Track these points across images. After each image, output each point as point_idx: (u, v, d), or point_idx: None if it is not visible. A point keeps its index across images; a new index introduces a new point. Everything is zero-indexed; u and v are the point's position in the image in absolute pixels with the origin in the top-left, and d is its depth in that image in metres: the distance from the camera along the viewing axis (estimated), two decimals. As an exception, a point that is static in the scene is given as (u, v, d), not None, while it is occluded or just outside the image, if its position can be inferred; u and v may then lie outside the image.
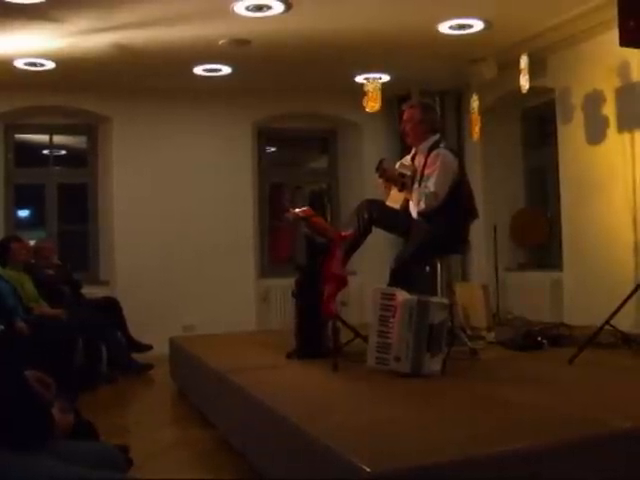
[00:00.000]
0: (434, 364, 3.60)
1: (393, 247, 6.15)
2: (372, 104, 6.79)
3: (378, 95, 6.78)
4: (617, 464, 2.44)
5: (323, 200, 8.28)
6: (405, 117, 4.49)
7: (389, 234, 5.02)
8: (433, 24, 5.63)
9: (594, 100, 5.81)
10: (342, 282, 3.99)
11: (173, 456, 3.72)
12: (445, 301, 3.87)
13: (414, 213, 4.37)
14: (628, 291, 4.16)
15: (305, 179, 8.64)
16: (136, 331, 6.40)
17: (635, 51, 4.82)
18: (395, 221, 4.48)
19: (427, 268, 4.50)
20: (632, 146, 5.45)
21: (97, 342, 5.84)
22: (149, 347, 6.32)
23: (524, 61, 5.95)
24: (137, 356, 6.17)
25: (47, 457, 1.81)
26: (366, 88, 6.81)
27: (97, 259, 7.55)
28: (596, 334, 4.05)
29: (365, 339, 3.90)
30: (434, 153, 4.32)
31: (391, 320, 3.65)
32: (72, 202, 7.73)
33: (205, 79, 6.96)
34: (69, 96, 7.11)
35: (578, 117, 6.02)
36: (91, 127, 7.61)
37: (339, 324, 4.06)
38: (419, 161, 4.42)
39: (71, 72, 6.50)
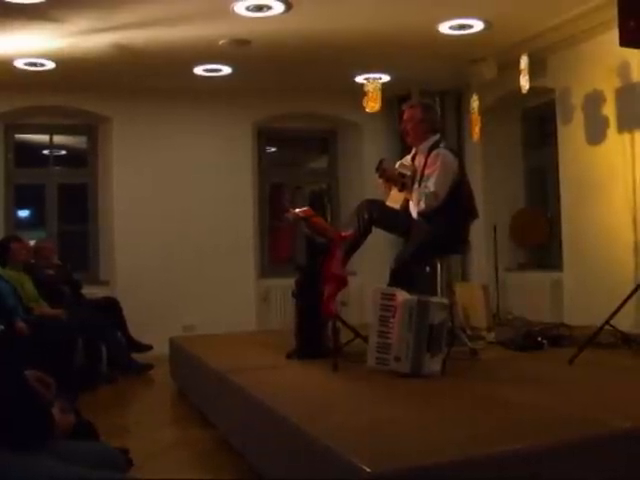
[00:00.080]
0: (434, 364, 3.60)
1: (393, 247, 6.15)
2: (372, 104, 6.79)
3: (378, 95, 6.78)
4: (617, 464, 2.44)
5: (323, 200, 8.28)
6: (406, 117, 4.49)
7: (389, 234, 5.02)
8: (433, 24, 5.63)
9: (594, 100, 5.81)
10: (342, 282, 3.99)
11: (173, 456, 3.72)
12: (445, 301, 3.87)
13: (414, 213, 4.36)
14: (628, 291, 4.16)
15: (305, 179, 8.64)
16: (136, 331, 6.40)
17: (635, 51, 4.82)
18: (395, 221, 4.48)
19: (427, 268, 4.50)
20: (632, 146, 5.45)
21: (97, 342, 5.84)
22: (149, 347, 6.32)
23: (524, 61, 5.95)
24: (137, 356, 6.17)
25: (47, 457, 1.81)
26: (366, 88, 6.81)
27: (97, 259, 7.55)
28: (596, 334, 4.05)
29: (365, 339, 3.90)
30: (434, 153, 4.32)
31: (391, 320, 3.65)
32: (72, 202, 7.73)
33: (205, 79, 6.96)
34: (69, 96, 7.11)
35: (578, 117, 6.02)
36: (91, 127, 7.61)
37: (339, 324, 4.06)
38: (419, 161, 4.42)
39: (71, 72, 6.50)
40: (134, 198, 7.30)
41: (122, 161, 7.36)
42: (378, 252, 6.19)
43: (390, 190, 4.53)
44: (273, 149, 8.46)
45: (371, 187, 5.26)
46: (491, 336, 4.88)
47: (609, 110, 5.67)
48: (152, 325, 6.53)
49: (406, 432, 2.60)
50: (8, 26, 5.33)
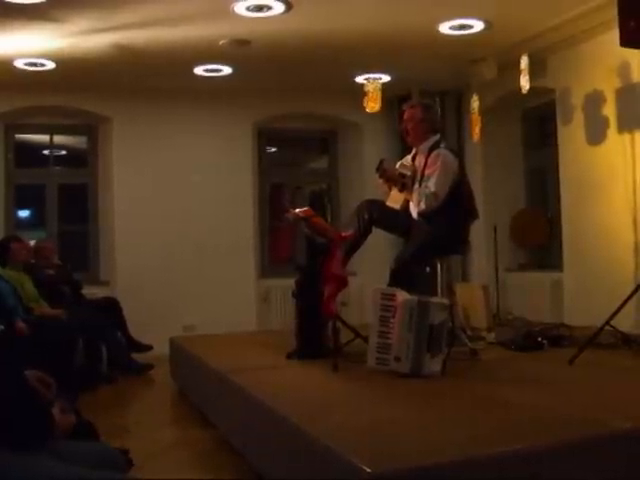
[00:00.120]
0: (434, 364, 3.60)
1: (393, 247, 6.15)
2: (372, 104, 6.79)
3: (378, 95, 6.78)
4: (617, 465, 2.44)
5: (323, 200, 8.27)
6: (406, 116, 4.48)
7: (389, 234, 5.02)
8: (433, 24, 5.63)
9: (594, 100, 5.81)
10: (342, 282, 3.99)
11: (173, 456, 3.72)
12: (445, 301, 3.87)
13: (414, 213, 4.36)
14: (628, 291, 4.16)
15: (305, 179, 8.64)
16: (136, 331, 6.40)
17: (635, 51, 4.82)
18: (395, 221, 4.48)
19: (427, 268, 4.50)
20: (632, 147, 5.45)
21: (97, 342, 5.84)
22: (149, 347, 6.32)
23: (524, 61, 5.95)
24: (137, 356, 6.17)
25: (47, 457, 1.81)
26: (366, 88, 6.82)
27: (97, 259, 7.55)
28: (596, 334, 4.05)
29: (365, 339, 3.90)
30: (434, 153, 4.31)
31: (391, 320, 3.65)
32: (72, 202, 7.73)
33: (205, 79, 6.96)
34: (69, 96, 7.11)
35: (578, 117, 6.02)
36: (91, 127, 7.61)
37: (339, 324, 4.06)
38: (419, 161, 4.42)
39: (71, 72, 6.50)
40: (134, 198, 7.30)
41: (122, 161, 7.36)
42: (378, 252, 6.19)
43: (390, 190, 4.53)
44: (273, 149, 8.46)
45: (371, 187, 5.26)
46: (491, 336, 4.88)
47: (609, 110, 5.67)
48: (152, 325, 6.53)
49: (406, 432, 2.60)
50: (8, 26, 5.33)
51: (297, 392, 3.44)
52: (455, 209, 4.27)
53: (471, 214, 4.47)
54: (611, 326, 4.08)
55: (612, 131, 5.66)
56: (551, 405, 2.94)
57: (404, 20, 5.52)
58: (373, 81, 6.84)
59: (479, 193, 5.43)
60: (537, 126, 7.38)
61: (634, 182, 5.43)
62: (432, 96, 7.14)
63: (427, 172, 4.28)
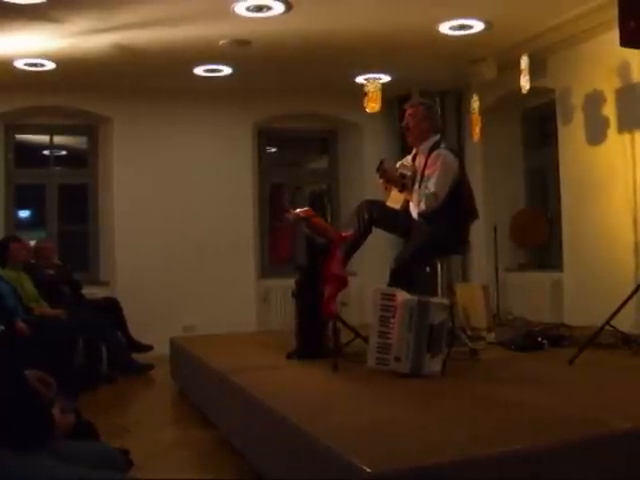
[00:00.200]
0: (434, 364, 3.60)
1: (393, 247, 6.15)
2: (372, 105, 6.79)
3: (378, 96, 6.78)
4: (617, 465, 2.44)
5: (323, 200, 8.28)
6: (409, 113, 4.48)
7: (389, 234, 5.02)
8: (433, 25, 5.63)
9: (594, 100, 5.81)
10: (342, 282, 3.99)
11: (173, 456, 3.72)
12: (445, 302, 3.87)
13: (414, 214, 4.36)
14: (628, 291, 4.16)
15: (305, 179, 8.64)
16: (137, 331, 6.40)
17: (635, 51, 4.82)
18: (395, 221, 4.48)
19: (427, 269, 4.50)
20: (632, 147, 5.45)
21: (97, 342, 5.84)
22: (149, 347, 6.32)
23: (524, 61, 5.95)
24: (138, 356, 6.17)
25: (47, 457, 1.81)
26: (366, 88, 6.82)
27: (97, 259, 7.55)
28: (596, 334, 4.05)
29: (365, 339, 3.90)
30: (435, 153, 4.31)
31: (391, 320, 3.65)
32: (72, 202, 7.73)
33: (206, 79, 6.96)
34: (69, 96, 7.11)
35: (578, 117, 6.02)
36: (91, 127, 7.61)
37: (339, 324, 4.06)
38: (419, 161, 4.41)
39: (72, 72, 6.50)
40: (134, 198, 7.30)
41: (122, 161, 7.36)
42: (378, 252, 6.20)
43: (390, 190, 4.53)
44: (273, 149, 8.46)
45: (371, 187, 5.26)
46: (491, 336, 4.88)
47: (609, 110, 5.67)
48: (152, 325, 6.53)
49: (406, 432, 2.61)
50: (8, 26, 5.33)
51: (297, 392, 3.44)
52: (455, 209, 4.27)
53: (471, 214, 4.47)
54: (611, 326, 4.08)
55: (612, 131, 5.66)
56: (551, 405, 2.94)
57: (404, 20, 5.52)
58: (373, 81, 6.84)
59: (479, 193, 5.43)
60: (537, 126, 7.38)
61: (634, 182, 5.43)
62: (432, 96, 7.13)
63: (427, 172, 4.28)
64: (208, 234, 7.40)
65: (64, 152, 8.20)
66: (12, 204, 7.40)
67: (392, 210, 4.48)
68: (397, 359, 3.59)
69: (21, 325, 5.11)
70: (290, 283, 4.43)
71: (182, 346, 5.27)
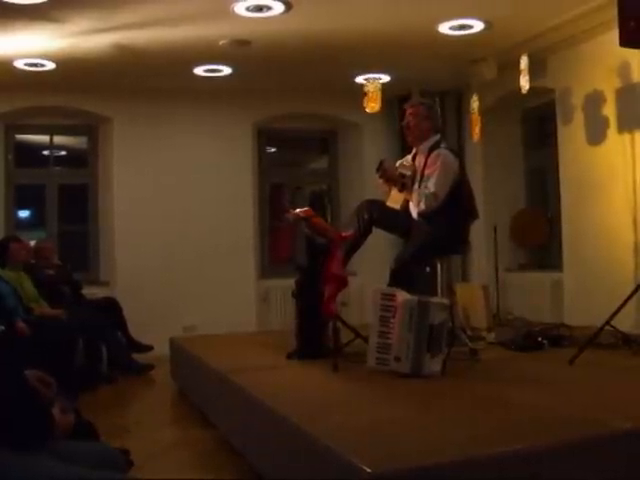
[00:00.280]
0: (434, 364, 3.60)
1: (393, 247, 6.15)
2: (372, 104, 6.79)
3: (378, 95, 6.78)
4: (617, 465, 2.44)
5: (323, 201, 8.28)
6: (409, 112, 4.47)
7: (389, 234, 5.02)
8: (433, 24, 5.63)
9: (594, 100, 5.81)
10: (342, 282, 3.99)
11: (173, 456, 3.72)
12: (445, 302, 3.87)
13: (414, 214, 4.36)
14: (628, 291, 4.16)
15: (305, 179, 8.64)
16: (137, 331, 6.40)
17: (635, 51, 4.82)
18: (395, 221, 4.48)
19: (427, 269, 4.50)
20: (632, 147, 5.45)
21: (97, 342, 5.84)
22: (149, 347, 6.32)
23: (524, 61, 5.95)
24: (138, 356, 6.18)
25: (47, 457, 1.81)
26: (366, 88, 6.82)
27: (97, 259, 7.55)
28: (596, 334, 4.05)
29: (365, 339, 3.90)
30: (435, 153, 4.31)
31: (391, 320, 3.65)
32: (72, 202, 7.73)
33: (206, 79, 6.96)
34: (70, 96, 7.11)
35: (578, 118, 6.02)
36: (91, 127, 7.61)
37: (339, 324, 4.06)
38: (419, 161, 4.41)
39: (72, 72, 6.50)
40: (134, 198, 7.30)
41: (122, 161, 7.36)
42: (378, 252, 6.19)
43: (390, 190, 4.53)
44: (273, 149, 8.46)
45: (371, 187, 5.26)
46: (491, 336, 4.88)
47: (609, 110, 5.67)
48: (152, 325, 6.53)
49: (406, 432, 2.61)
50: (9, 26, 5.33)
51: (297, 392, 3.44)
52: (455, 209, 4.26)
53: (471, 214, 4.47)
54: (611, 326, 4.08)
55: (612, 131, 5.66)
56: (551, 405, 2.94)
57: (404, 20, 5.52)
58: (373, 81, 6.84)
59: (479, 193, 5.43)
60: (537, 126, 7.38)
61: (634, 182, 5.43)
62: (432, 96, 7.12)
63: (427, 172, 4.28)
64: (208, 234, 7.40)
65: (64, 152, 8.20)
66: (12, 204, 7.40)
67: (392, 210, 4.48)
68: (397, 359, 3.59)
69: (21, 325, 5.11)
70: (290, 283, 4.43)
71: (182, 346, 5.27)
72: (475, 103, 6.75)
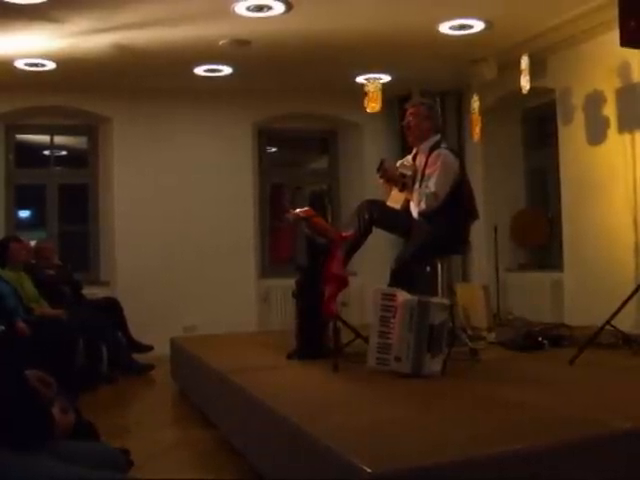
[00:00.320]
0: (434, 364, 3.60)
1: (394, 247, 6.15)
2: (373, 104, 6.79)
3: (379, 95, 6.78)
4: (618, 465, 2.44)
5: (324, 201, 8.27)
6: (410, 112, 4.47)
7: (390, 234, 5.02)
8: (434, 24, 5.63)
9: (595, 101, 5.81)
10: (343, 282, 3.99)
11: (174, 456, 3.72)
12: (446, 302, 3.87)
13: (415, 213, 4.36)
14: (629, 292, 4.16)
15: (306, 179, 8.64)
16: (137, 332, 6.40)
17: (636, 51, 4.82)
18: (396, 221, 4.48)
19: (428, 268, 4.50)
20: (633, 147, 5.45)
21: (98, 342, 5.84)
22: (150, 348, 6.32)
23: (525, 61, 5.95)
24: (138, 356, 6.18)
25: (47, 457, 1.81)
26: (367, 88, 6.82)
27: (98, 260, 7.55)
28: (597, 334, 4.05)
29: (366, 340, 3.90)
30: (435, 153, 4.31)
31: (392, 320, 3.65)
32: (73, 203, 7.73)
33: (206, 79, 6.96)
34: (70, 96, 7.11)
35: (579, 118, 6.02)
36: (92, 127, 7.61)
37: (340, 324, 4.06)
38: (420, 161, 4.41)
39: (72, 72, 6.50)
40: (135, 198, 7.31)
41: (123, 161, 7.36)
42: (379, 252, 6.19)
43: (391, 190, 4.53)
44: (273, 149, 8.46)
45: (371, 187, 5.26)
46: (491, 336, 4.88)
47: (609, 110, 5.67)
48: (153, 325, 6.53)
49: (406, 432, 2.61)
50: (9, 26, 5.34)
51: (297, 392, 3.44)
52: (455, 209, 4.26)
53: (471, 214, 4.47)
54: (612, 326, 4.08)
55: (612, 131, 5.65)
56: (551, 405, 2.94)
57: (404, 20, 5.52)
58: (373, 81, 6.84)
59: (479, 193, 5.43)
60: (537, 126, 7.37)
61: (634, 182, 5.43)
62: (432, 96, 7.11)
63: (427, 172, 4.28)
64: (208, 234, 7.40)
65: (64, 152, 8.20)
66: (12, 204, 7.40)
67: (392, 210, 4.48)
68: (397, 359, 3.59)
69: (21, 325, 5.11)
70: (290, 283, 4.43)
71: (182, 346, 5.27)
72: (475, 103, 6.75)
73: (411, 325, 3.57)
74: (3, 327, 5.01)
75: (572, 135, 6.12)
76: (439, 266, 4.46)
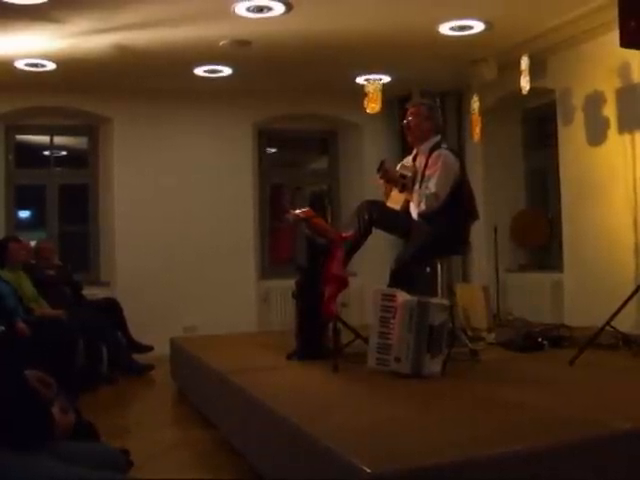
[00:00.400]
0: (434, 365, 3.60)
1: (393, 248, 6.15)
2: (373, 105, 6.79)
3: (379, 96, 6.78)
4: (618, 465, 2.44)
5: (323, 201, 8.27)
6: (411, 112, 4.47)
7: (389, 235, 5.02)
8: (434, 25, 5.63)
9: (595, 101, 5.81)
10: (343, 283, 3.99)
11: (174, 457, 3.72)
12: (445, 302, 3.87)
13: (415, 214, 4.36)
14: (628, 292, 4.16)
15: (305, 180, 8.64)
16: (137, 332, 6.41)
17: (636, 52, 4.81)
18: (395, 222, 4.48)
19: (427, 269, 4.50)
20: (633, 147, 5.45)
21: (98, 343, 5.84)
22: (150, 348, 6.32)
23: (525, 62, 5.95)
24: (138, 357, 6.18)
25: (47, 457, 1.81)
26: (367, 89, 6.82)
27: (98, 260, 7.55)
28: (597, 335, 4.05)
29: (365, 340, 3.90)
30: (435, 154, 4.31)
31: (391, 321, 3.65)
32: (73, 203, 7.73)
33: (206, 80, 6.96)
34: (70, 97, 7.11)
35: (579, 118, 6.02)
36: (92, 128, 7.61)
37: (339, 325, 4.06)
38: (420, 162, 4.41)
39: (72, 73, 6.50)
40: (135, 199, 7.31)
41: (123, 162, 7.36)
42: (378, 253, 6.20)
43: (391, 191, 4.53)
44: (273, 150, 8.46)
45: (371, 188, 5.26)
46: (491, 337, 4.87)
47: (610, 111, 5.67)
48: (153, 326, 6.53)
49: (406, 433, 2.61)
50: (9, 27, 5.34)
51: (297, 393, 3.44)
52: (455, 210, 4.26)
53: (471, 215, 4.47)
54: (611, 327, 4.08)
55: (612, 132, 5.66)
56: (551, 406, 2.94)
57: (404, 21, 5.52)
58: (373, 82, 6.84)
59: (479, 194, 5.43)
60: (537, 127, 7.38)
61: (634, 183, 5.43)
62: (433, 97, 7.10)
63: (428, 173, 4.28)
64: (208, 235, 7.41)
65: (64, 152, 8.20)
66: (12, 204, 7.40)
67: (392, 211, 4.48)
68: (397, 360, 3.59)
69: (21, 325, 5.11)
70: (290, 284, 4.43)
71: (182, 346, 5.27)
72: (475, 104, 6.75)
73: (411, 326, 3.57)
74: (3, 327, 5.00)
75: (572, 135, 6.12)
76: (439, 267, 4.46)
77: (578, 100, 6.01)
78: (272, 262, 8.09)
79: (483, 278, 7.00)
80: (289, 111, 7.76)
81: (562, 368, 3.86)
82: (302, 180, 8.57)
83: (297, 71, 6.83)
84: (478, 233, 6.10)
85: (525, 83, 5.98)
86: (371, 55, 6.30)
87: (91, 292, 6.67)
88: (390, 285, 4.10)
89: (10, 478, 1.73)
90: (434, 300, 3.78)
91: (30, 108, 7.16)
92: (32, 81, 6.60)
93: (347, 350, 4.11)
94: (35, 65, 6.28)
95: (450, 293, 4.58)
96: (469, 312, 5.22)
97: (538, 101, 6.79)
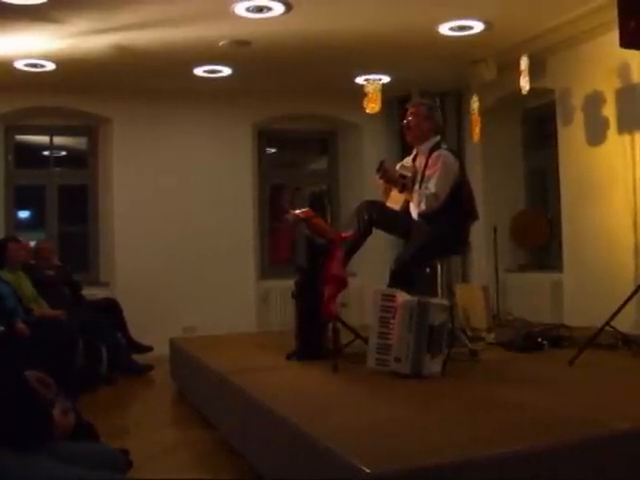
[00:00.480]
0: (434, 365, 3.60)
1: (393, 248, 6.15)
2: (372, 105, 6.79)
3: (378, 96, 6.78)
4: (617, 465, 2.44)
5: (323, 201, 8.27)
6: (411, 111, 4.47)
7: (389, 235, 5.01)
8: (433, 25, 5.63)
9: (594, 101, 5.81)
10: (342, 283, 3.99)
11: (173, 457, 3.72)
12: (445, 302, 3.87)
13: (414, 214, 4.36)
14: (628, 292, 4.16)
15: (305, 180, 8.63)
16: (136, 332, 6.40)
17: (635, 52, 4.82)
18: (395, 222, 4.48)
19: (427, 269, 4.50)
20: (632, 147, 5.45)
21: (97, 343, 5.84)
22: (149, 348, 6.31)
23: (524, 62, 5.96)
24: (137, 357, 6.17)
25: (47, 458, 1.81)
26: (366, 89, 6.82)
27: (97, 260, 7.55)
28: (596, 335, 4.05)
29: (365, 340, 3.90)
30: (435, 154, 4.31)
31: (391, 321, 3.65)
32: (72, 203, 7.73)
33: (205, 80, 6.96)
34: (69, 97, 7.11)
35: (578, 118, 6.02)
36: (91, 128, 7.61)
37: (339, 325, 4.06)
38: (420, 162, 4.41)
39: (71, 73, 6.50)
40: (134, 199, 7.30)
41: (122, 162, 7.36)
42: (378, 253, 6.19)
43: (390, 191, 4.53)
44: (273, 150, 8.46)
45: (371, 188, 5.26)
46: (491, 337, 4.88)
47: (609, 111, 5.67)
48: (152, 326, 6.52)
49: (406, 433, 2.61)
50: (9, 27, 5.34)
51: (297, 393, 3.44)
52: (455, 210, 4.26)
53: (471, 215, 4.47)
54: (611, 327, 4.08)
55: (612, 132, 5.66)
56: (551, 406, 2.94)
57: (404, 21, 5.52)
58: (373, 82, 6.84)
59: (479, 194, 5.43)
60: (537, 127, 7.38)
61: (634, 183, 5.43)
62: (432, 97, 7.10)
63: (427, 173, 4.28)
64: (208, 235, 7.40)
65: (64, 153, 8.20)
66: (12, 205, 7.40)
67: (392, 211, 4.48)
68: (397, 360, 3.59)
69: (21, 326, 5.10)
70: (290, 284, 4.43)
71: (182, 347, 5.27)
72: (475, 104, 6.76)
73: (411, 326, 3.57)
74: (3, 328, 5.00)
75: (572, 136, 6.12)
76: (439, 267, 4.45)
77: (578, 100, 6.01)
78: (272, 262, 8.09)
79: (483, 278, 7.00)
80: (289, 111, 7.76)
81: (562, 368, 3.86)
82: (302, 180, 8.57)
83: (297, 71, 6.83)
84: (478, 233, 6.10)
85: (525, 83, 5.98)
86: (371, 55, 6.30)
87: (91, 292, 6.66)
88: (390, 285, 4.10)
89: (10, 478, 1.73)
90: (434, 300, 3.78)
91: (30, 108, 7.16)
92: (31, 81, 6.60)
93: (347, 350, 4.11)
94: (34, 65, 6.28)
95: (450, 293, 4.57)
96: (469, 312, 5.22)
97: (538, 101, 6.80)
